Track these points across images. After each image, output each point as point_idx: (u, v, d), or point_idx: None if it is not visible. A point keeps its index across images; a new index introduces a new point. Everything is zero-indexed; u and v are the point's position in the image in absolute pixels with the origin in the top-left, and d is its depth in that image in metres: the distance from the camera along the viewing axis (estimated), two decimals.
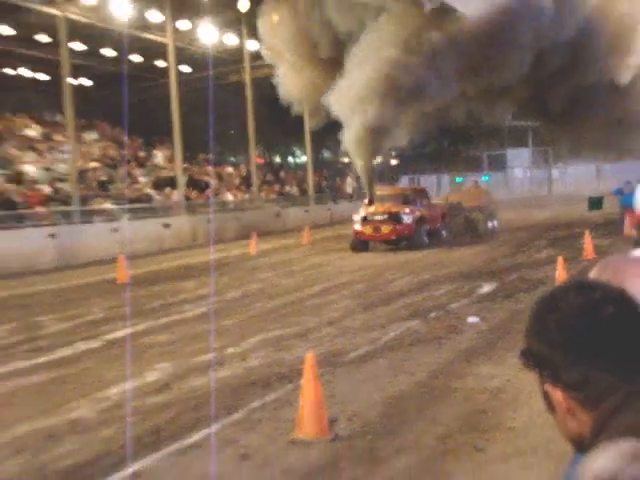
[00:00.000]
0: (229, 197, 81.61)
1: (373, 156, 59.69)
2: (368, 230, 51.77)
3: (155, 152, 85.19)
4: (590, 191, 73.87)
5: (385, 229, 50.66)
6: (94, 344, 24.82)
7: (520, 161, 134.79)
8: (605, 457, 2.74)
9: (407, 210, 52.06)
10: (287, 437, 14.52)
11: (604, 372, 2.89)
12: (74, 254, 53.72)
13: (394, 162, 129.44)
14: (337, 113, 58.09)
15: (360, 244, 51.56)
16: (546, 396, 3.02)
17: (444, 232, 56.47)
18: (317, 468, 13.03)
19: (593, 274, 3.62)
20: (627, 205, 38.52)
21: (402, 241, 52.60)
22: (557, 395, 2.96)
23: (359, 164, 60.59)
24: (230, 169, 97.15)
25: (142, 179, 73.64)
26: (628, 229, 39.79)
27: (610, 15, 69.23)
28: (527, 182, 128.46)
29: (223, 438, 14.93)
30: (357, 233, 52.08)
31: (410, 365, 19.69)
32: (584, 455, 2.91)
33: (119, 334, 25.71)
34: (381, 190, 61.41)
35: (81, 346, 24.58)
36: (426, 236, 52.86)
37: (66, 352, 23.77)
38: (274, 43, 67.56)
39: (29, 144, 72.84)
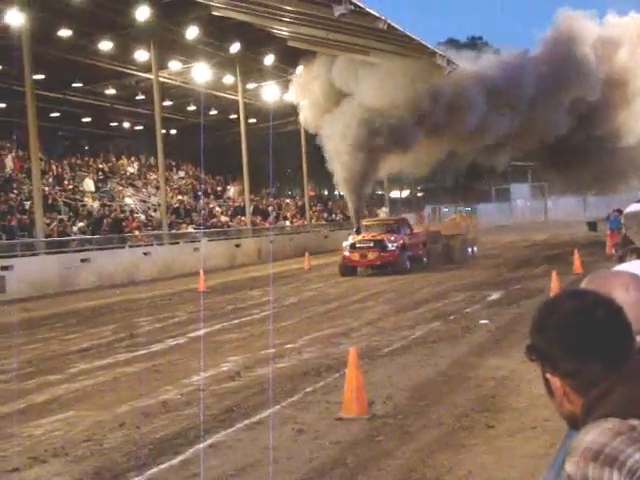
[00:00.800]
0: (287, 223, 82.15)
1: (358, 194, 56.32)
2: (355, 256, 48.48)
3: (229, 187, 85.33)
4: (578, 218, 74.08)
5: (371, 255, 47.52)
6: (180, 340, 25.08)
7: (521, 193, 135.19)
8: (594, 433, 2.79)
9: (391, 238, 48.53)
10: (334, 416, 14.55)
11: (594, 363, 2.92)
12: (164, 269, 54.71)
13: (420, 194, 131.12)
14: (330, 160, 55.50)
15: (348, 269, 48.11)
16: (546, 383, 3.06)
17: (425, 258, 51.66)
18: (358, 441, 13.07)
19: (584, 284, 3.65)
20: (610, 228, 40.73)
21: (387, 266, 48.32)
22: (555, 382, 3.00)
23: (349, 200, 58.20)
24: (288, 200, 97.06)
25: (218, 209, 73.60)
26: (609, 249, 39.99)
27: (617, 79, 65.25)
28: (527, 211, 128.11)
29: (283, 416, 15.02)
30: (345, 259, 48.95)
31: (433, 358, 19.69)
32: (577, 431, 2.93)
33: (199, 332, 25.83)
34: (368, 221, 57.58)
35: (170, 342, 24.87)
36: (408, 261, 48.49)
37: (158, 347, 24.07)
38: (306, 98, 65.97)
39: (129, 181, 74.31)
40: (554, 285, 25.77)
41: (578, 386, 2.99)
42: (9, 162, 57.60)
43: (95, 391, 18.20)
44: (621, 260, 5.66)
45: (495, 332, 23.05)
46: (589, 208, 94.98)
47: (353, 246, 47.53)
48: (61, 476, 12.19)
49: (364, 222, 52.77)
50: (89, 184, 63.83)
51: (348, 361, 14.97)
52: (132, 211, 62.71)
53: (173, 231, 62.13)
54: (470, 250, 54.07)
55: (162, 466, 12.39)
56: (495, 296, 30.89)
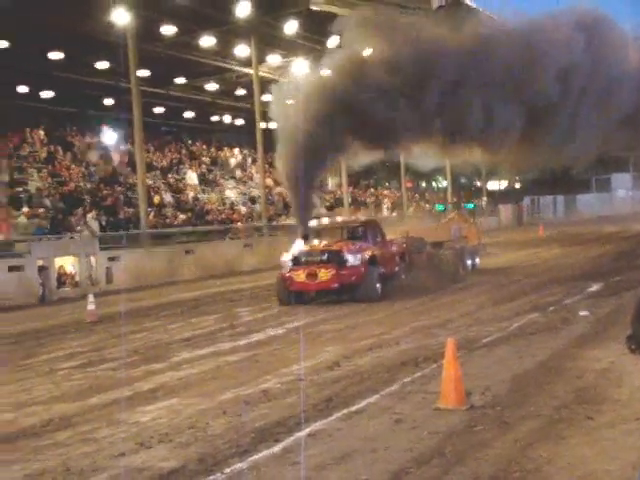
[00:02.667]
0: (385, 212, 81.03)
1: (308, 187, 35.95)
2: (300, 276, 30.47)
3: (329, 179, 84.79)
4: None
5: (323, 274, 29.62)
6: (279, 331, 25.34)
7: (623, 183, 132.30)
8: None
9: (354, 247, 30.98)
10: (432, 406, 14.52)
11: None
12: (264, 260, 54.45)
13: (517, 185, 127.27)
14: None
15: (289, 295, 30.75)
16: None
17: (403, 276, 34.43)
18: (457, 431, 13.00)
19: None
20: None
21: (346, 291, 30.80)
22: None
23: (291, 190, 37.73)
24: (386, 191, 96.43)
25: (316, 201, 73.09)
26: None
27: None
28: (629, 201, 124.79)
29: (381, 406, 15.00)
30: (285, 280, 31.19)
31: (532, 349, 19.56)
32: None
33: (298, 323, 26.18)
34: (320, 224, 37.30)
35: (269, 332, 25.19)
36: (380, 283, 31.24)
37: (258, 337, 24.37)
38: None
39: (230, 175, 74.95)
40: None
41: None
42: (114, 155, 58.20)
43: (198, 379, 18.38)
44: None
45: (595, 324, 22.73)
46: None
47: (297, 260, 30.30)
48: (166, 461, 12.29)
49: (314, 225, 34.94)
50: (192, 177, 64.28)
51: (446, 352, 14.86)
52: (233, 203, 63.03)
53: (272, 223, 62.69)
54: (470, 263, 38.83)
55: (263, 453, 12.45)
56: (595, 287, 30.39)
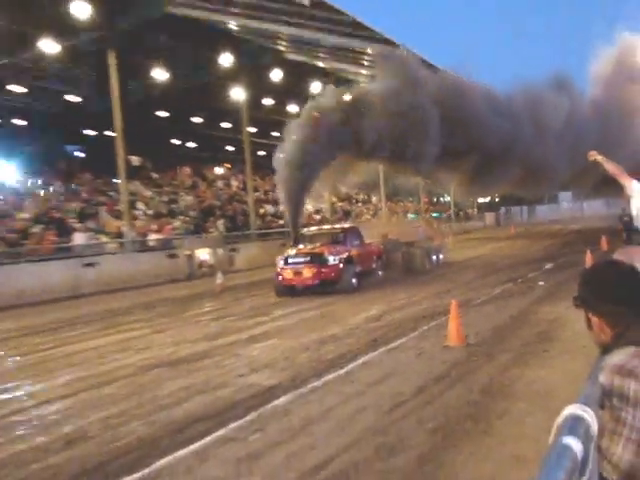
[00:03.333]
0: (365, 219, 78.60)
1: (297, 197, 32.45)
2: (289, 274, 27.85)
3: (372, 195, 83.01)
4: (602, 214, 67.59)
5: (307, 272, 27.21)
6: (339, 296, 25.11)
7: (566, 197, 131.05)
8: (618, 355, 2.93)
9: (333, 250, 27.78)
10: (442, 344, 14.57)
11: (621, 308, 2.98)
12: None
13: (497, 199, 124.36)
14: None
15: (284, 289, 28.11)
16: (588, 321, 3.19)
17: (380, 272, 30.90)
18: (458, 360, 13.15)
19: (615, 256, 3.78)
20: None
21: (327, 286, 27.41)
22: (595, 320, 3.11)
23: (284, 200, 33.37)
24: (410, 205, 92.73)
25: (365, 212, 71.51)
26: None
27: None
28: (570, 210, 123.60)
29: (409, 344, 15.10)
30: (279, 276, 28.27)
31: (507, 307, 19.53)
32: (606, 355, 2.99)
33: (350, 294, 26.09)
34: (309, 230, 33.84)
35: (335, 296, 24.91)
36: (355, 278, 27.95)
37: (326, 300, 24.20)
38: None
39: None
40: (588, 258, 25.26)
41: (610, 323, 3.11)
42: (234, 182, 58.84)
43: (288, 327, 18.51)
44: None
45: (548, 289, 22.69)
46: (611, 207, 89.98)
47: (286, 261, 27.68)
48: (270, 379, 12.49)
49: (304, 231, 32.25)
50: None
51: (451, 309, 15.08)
52: (310, 213, 62.94)
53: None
54: (435, 258, 34.62)
55: (332, 375, 12.58)
56: (549, 266, 30.01)
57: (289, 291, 26.37)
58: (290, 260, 25.86)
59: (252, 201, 47.90)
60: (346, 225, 35.92)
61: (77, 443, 9.55)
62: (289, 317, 20.86)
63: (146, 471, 8.24)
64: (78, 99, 43.93)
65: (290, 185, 31.10)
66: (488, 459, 7.94)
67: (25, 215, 34.09)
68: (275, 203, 55.40)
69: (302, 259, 25.61)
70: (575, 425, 2.79)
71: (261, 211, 50.96)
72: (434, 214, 74.01)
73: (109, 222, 37.42)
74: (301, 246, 27.43)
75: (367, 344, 15.43)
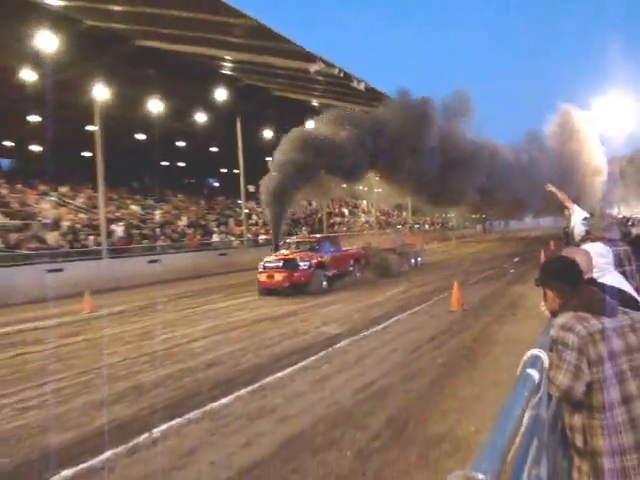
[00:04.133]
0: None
1: (280, 209, 26.08)
2: (263, 277, 21.99)
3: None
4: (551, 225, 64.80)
5: (278, 276, 21.66)
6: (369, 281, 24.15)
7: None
8: (563, 317, 3.05)
9: (305, 256, 22.06)
10: (448, 309, 14.44)
11: (566, 285, 3.02)
12: None
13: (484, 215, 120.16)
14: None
15: (265, 291, 22.05)
16: (545, 295, 3.16)
17: (358, 274, 24.36)
18: (457, 320, 13.06)
19: (563, 253, 3.77)
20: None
21: (300, 288, 21.17)
22: (549, 294, 3.21)
23: (269, 213, 26.63)
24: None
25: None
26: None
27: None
28: (533, 222, 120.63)
29: (425, 309, 15.01)
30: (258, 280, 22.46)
31: (489, 286, 19.34)
32: (554, 317, 3.00)
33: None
34: (293, 239, 26.58)
35: (365, 283, 23.93)
36: (326, 281, 21.86)
37: (368, 281, 23.31)
38: None
39: (360, 210, 68.53)
40: (542, 255, 24.67)
41: (558, 296, 3.12)
42: (314, 203, 57.44)
43: (346, 297, 18.32)
44: (581, 243, 5.66)
45: (516, 275, 22.25)
46: (557, 222, 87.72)
47: (264, 266, 21.99)
48: (334, 330, 12.52)
49: (288, 240, 25.73)
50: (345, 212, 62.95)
51: (454, 286, 14.97)
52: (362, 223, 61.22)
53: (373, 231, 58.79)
54: (414, 261, 28.81)
55: (375, 328, 12.61)
56: (516, 259, 29.40)
57: (271, 292, 20.31)
58: (266, 265, 20.54)
59: (325, 215, 47.76)
60: (322, 235, 28.89)
61: (214, 366, 9.74)
62: (346, 290, 20.30)
63: (256, 385, 8.40)
64: (216, 149, 44.48)
65: (273, 206, 24.75)
66: (477, 383, 8.00)
67: (183, 222, 34.68)
68: (342, 215, 54.93)
69: (276, 264, 20.30)
70: (535, 361, 2.88)
71: (330, 221, 50.62)
72: (416, 225, 63.77)
73: (234, 228, 37.88)
74: (285, 251, 21.69)
75: (397, 308, 15.25)
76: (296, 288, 19.81)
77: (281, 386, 8.39)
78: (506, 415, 2.28)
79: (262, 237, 37.80)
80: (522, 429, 2.42)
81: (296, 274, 19.72)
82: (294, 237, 26.77)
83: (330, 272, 21.10)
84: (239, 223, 38.47)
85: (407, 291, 19.23)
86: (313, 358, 9.97)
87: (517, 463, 2.43)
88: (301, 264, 19.89)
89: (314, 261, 20.25)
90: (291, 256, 20.51)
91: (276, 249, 23.28)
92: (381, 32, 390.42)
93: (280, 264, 20.05)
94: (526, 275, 21.30)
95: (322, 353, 10.32)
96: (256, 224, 41.00)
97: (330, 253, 21.64)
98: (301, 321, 14.18)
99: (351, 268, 23.10)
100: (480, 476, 1.75)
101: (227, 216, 40.00)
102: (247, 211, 39.56)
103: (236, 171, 37.21)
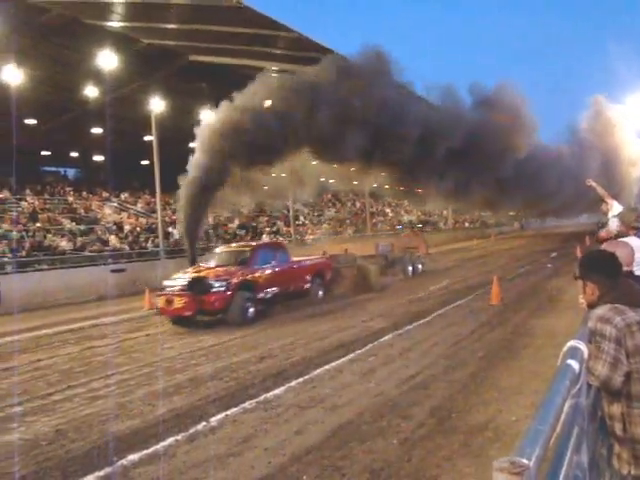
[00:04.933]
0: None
1: (195, 215, 17.93)
2: (161, 302, 13.77)
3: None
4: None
5: (178, 302, 13.35)
6: (422, 274, 23.93)
7: None
8: (601, 309, 3.01)
9: (221, 274, 13.98)
10: (487, 303, 14.27)
11: (605, 278, 2.98)
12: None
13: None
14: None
15: (176, 319, 13.94)
16: (584, 288, 3.12)
17: (320, 292, 17.13)
18: (497, 313, 12.92)
19: (602, 247, 3.73)
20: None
21: (211, 315, 13.89)
22: (589, 286, 3.15)
23: (182, 216, 18.91)
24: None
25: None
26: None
27: None
28: (565, 220, 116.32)
29: (464, 304, 14.82)
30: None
31: (528, 280, 19.07)
32: (592, 309, 2.96)
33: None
34: (222, 248, 18.24)
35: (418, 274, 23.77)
36: (254, 307, 14.07)
37: (412, 277, 23.08)
38: None
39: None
40: (579, 250, 23.87)
41: (597, 288, 3.10)
42: (357, 204, 57.17)
43: (390, 293, 18.19)
44: (617, 237, 5.56)
45: (554, 270, 21.78)
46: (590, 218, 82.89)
47: (164, 287, 14.23)
48: (379, 325, 12.47)
49: (216, 250, 18.27)
50: (387, 211, 62.27)
51: (493, 281, 14.77)
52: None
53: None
54: (411, 268, 22.99)
55: (418, 322, 12.52)
56: (554, 254, 28.68)
57: (183, 320, 13.78)
58: (167, 286, 14.08)
59: (369, 216, 47.54)
60: (257, 242, 21.18)
61: (265, 359, 9.82)
62: (392, 286, 19.84)
63: (307, 377, 8.45)
64: None
65: (186, 210, 17.84)
66: (517, 374, 7.90)
67: (234, 224, 35.02)
68: (384, 214, 54.64)
69: (179, 284, 13.81)
70: (574, 352, 2.84)
71: (373, 221, 50.42)
72: (419, 225, 52.83)
73: (282, 228, 38.10)
74: (203, 265, 15.47)
75: (439, 303, 15.08)
76: (208, 315, 13.94)
77: (329, 378, 8.40)
78: (548, 404, 2.27)
79: (310, 237, 37.95)
80: (563, 417, 2.40)
81: (207, 298, 13.33)
82: (223, 247, 18.79)
83: (264, 294, 14.76)
84: (288, 224, 38.69)
85: (448, 286, 18.87)
86: (359, 351, 9.96)
87: (558, 450, 2.40)
88: (215, 284, 13.51)
89: (234, 280, 13.81)
90: (202, 274, 14.14)
91: (192, 262, 16.84)
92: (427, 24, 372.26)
93: (185, 284, 13.67)
94: (563, 269, 20.88)
95: (368, 346, 10.29)
96: (303, 224, 41.18)
97: (268, 267, 15.15)
98: (348, 315, 14.11)
99: (307, 285, 16.66)
100: (524, 461, 1.74)
101: (276, 217, 40.26)
102: (296, 212, 39.78)
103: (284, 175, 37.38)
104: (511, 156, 27.16)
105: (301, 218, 42.13)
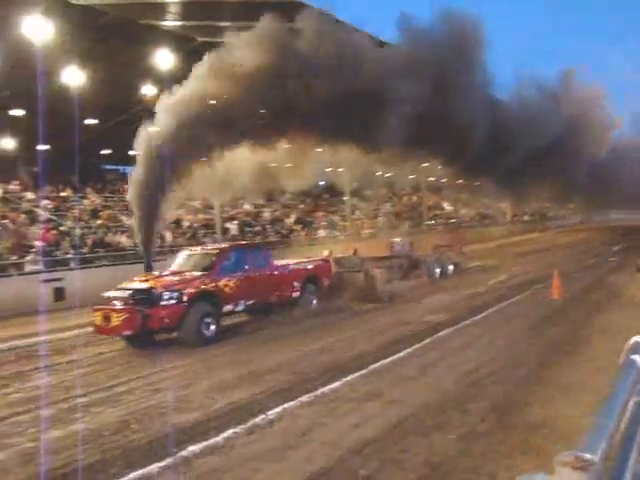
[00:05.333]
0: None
1: (150, 211, 13.45)
2: (97, 318, 10.72)
3: None
4: None
5: (116, 318, 10.39)
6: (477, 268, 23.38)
7: None
8: None
9: (172, 283, 11.15)
10: (548, 298, 14.00)
11: None
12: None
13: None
14: None
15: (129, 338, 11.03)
16: None
17: (314, 301, 14.20)
18: (558, 310, 12.72)
19: None
20: None
21: (164, 332, 11.13)
22: None
23: (136, 214, 13.75)
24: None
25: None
26: None
27: None
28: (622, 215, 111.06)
29: (524, 299, 14.69)
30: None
31: (591, 274, 18.65)
32: None
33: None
34: (187, 251, 13.89)
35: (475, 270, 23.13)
36: (214, 324, 11.28)
37: (473, 270, 22.69)
38: None
39: None
40: None
41: None
42: (414, 197, 56.65)
43: (448, 286, 17.89)
44: None
45: (617, 264, 21.19)
46: None
47: (105, 299, 10.97)
48: (438, 318, 12.37)
49: (182, 253, 13.72)
50: (444, 205, 61.43)
51: (554, 276, 14.52)
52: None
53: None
54: (439, 270, 20.12)
55: (471, 319, 12.37)
56: (616, 248, 27.80)
57: (137, 341, 11.21)
58: (109, 297, 11.14)
59: (426, 210, 46.95)
60: (229, 244, 15.73)
61: (326, 352, 9.92)
62: (450, 280, 19.54)
63: (363, 371, 8.44)
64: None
65: (139, 205, 13.76)
66: (579, 369, 7.78)
67: (291, 219, 35.29)
68: (440, 208, 53.84)
69: (120, 296, 11.01)
70: (638, 348, 2.77)
71: (431, 214, 49.69)
72: (452, 220, 47.39)
73: (337, 223, 38.20)
74: (159, 272, 12.60)
75: (495, 299, 14.76)
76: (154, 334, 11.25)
77: (387, 370, 8.43)
78: (612, 400, 2.24)
79: (366, 231, 37.88)
80: (628, 414, 2.35)
81: (154, 313, 10.70)
82: (194, 248, 14.84)
83: (234, 306, 12.27)
84: (344, 219, 38.74)
85: (506, 281, 18.48)
86: (418, 345, 9.92)
87: (624, 447, 2.36)
88: (165, 297, 10.90)
89: (189, 290, 11.21)
90: (149, 283, 11.40)
91: (147, 267, 13.59)
92: None
93: (126, 296, 10.99)
94: (626, 264, 20.29)
95: (427, 341, 10.24)
96: (359, 219, 41.17)
97: (239, 273, 12.45)
98: (408, 310, 14.00)
99: (296, 294, 13.94)
100: (588, 456, 1.72)
101: (332, 212, 40.36)
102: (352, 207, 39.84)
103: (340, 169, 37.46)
104: (589, 154, 25.31)
105: (357, 212, 42.13)
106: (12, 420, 7.21)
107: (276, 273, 13.55)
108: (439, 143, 18.44)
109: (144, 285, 11.30)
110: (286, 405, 7.07)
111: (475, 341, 10.09)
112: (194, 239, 26.97)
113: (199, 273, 11.99)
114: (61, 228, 22.45)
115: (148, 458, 5.70)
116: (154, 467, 5.48)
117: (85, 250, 21.60)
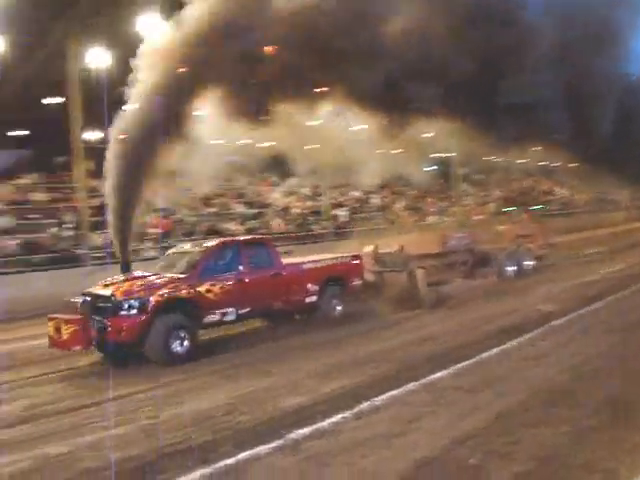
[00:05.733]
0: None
1: (127, 201, 10.00)
2: (50, 329, 8.82)
3: None
4: None
5: (65, 330, 8.40)
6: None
7: None
8: None
9: (136, 288, 9.10)
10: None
11: None
12: None
13: None
14: None
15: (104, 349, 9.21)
16: None
17: (339, 307, 11.72)
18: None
19: None
20: None
21: (125, 347, 9.06)
22: None
23: (111, 207, 10.17)
24: None
25: None
26: None
27: None
28: None
29: (625, 297, 13.50)
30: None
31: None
32: None
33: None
34: (177, 247, 12.00)
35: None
36: (190, 339, 9.18)
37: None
38: None
39: None
40: None
41: None
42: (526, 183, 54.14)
43: (556, 277, 16.75)
44: None
45: None
46: None
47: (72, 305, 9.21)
48: (548, 308, 11.82)
49: (172, 250, 11.73)
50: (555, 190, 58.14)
51: None
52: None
53: None
54: (513, 268, 16.33)
55: (591, 307, 11.83)
56: None
57: (116, 356, 9.47)
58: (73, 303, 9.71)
59: (540, 195, 44.92)
60: (223, 240, 12.05)
61: (427, 342, 9.83)
62: (559, 271, 17.70)
63: (465, 364, 8.28)
64: None
65: (116, 196, 10.44)
66: None
67: (400, 205, 34.95)
68: (552, 193, 51.41)
69: (77, 303, 9.64)
70: None
71: (543, 200, 47.31)
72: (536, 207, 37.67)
73: (446, 209, 37.51)
74: (134, 274, 10.37)
75: (617, 286, 13.88)
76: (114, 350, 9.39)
77: (496, 363, 8.27)
78: None
79: (475, 217, 37.03)
80: None
81: (113, 325, 8.98)
82: (184, 245, 12.55)
83: (221, 315, 10.13)
84: (453, 204, 38.03)
85: (599, 281, 16.95)
86: (528, 335, 9.66)
87: None
88: (123, 305, 9.10)
89: (155, 297, 9.24)
90: (109, 288, 9.57)
91: (124, 267, 10.67)
92: None
93: (82, 302, 9.59)
94: None
95: (537, 330, 9.94)
96: (468, 205, 40.29)
97: (228, 276, 10.35)
98: (517, 299, 13.42)
99: (312, 298, 11.57)
100: None
101: (442, 199, 39.76)
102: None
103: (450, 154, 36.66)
104: None
105: (467, 198, 41.25)
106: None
107: (283, 274, 11.24)
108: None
109: (105, 291, 9.50)
110: None
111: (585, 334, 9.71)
112: (303, 226, 27.57)
113: (177, 276, 10.05)
114: (176, 216, 23.56)
115: (258, 439, 5.85)
116: (263, 448, 5.61)
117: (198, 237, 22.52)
